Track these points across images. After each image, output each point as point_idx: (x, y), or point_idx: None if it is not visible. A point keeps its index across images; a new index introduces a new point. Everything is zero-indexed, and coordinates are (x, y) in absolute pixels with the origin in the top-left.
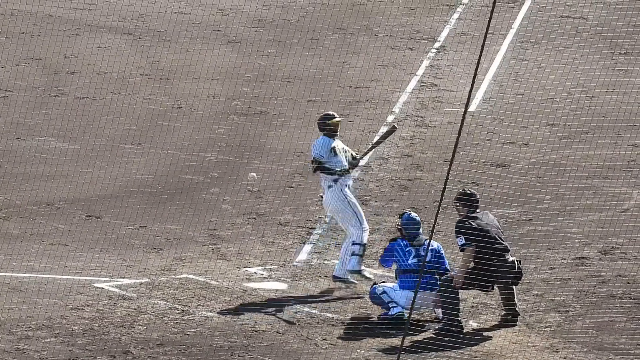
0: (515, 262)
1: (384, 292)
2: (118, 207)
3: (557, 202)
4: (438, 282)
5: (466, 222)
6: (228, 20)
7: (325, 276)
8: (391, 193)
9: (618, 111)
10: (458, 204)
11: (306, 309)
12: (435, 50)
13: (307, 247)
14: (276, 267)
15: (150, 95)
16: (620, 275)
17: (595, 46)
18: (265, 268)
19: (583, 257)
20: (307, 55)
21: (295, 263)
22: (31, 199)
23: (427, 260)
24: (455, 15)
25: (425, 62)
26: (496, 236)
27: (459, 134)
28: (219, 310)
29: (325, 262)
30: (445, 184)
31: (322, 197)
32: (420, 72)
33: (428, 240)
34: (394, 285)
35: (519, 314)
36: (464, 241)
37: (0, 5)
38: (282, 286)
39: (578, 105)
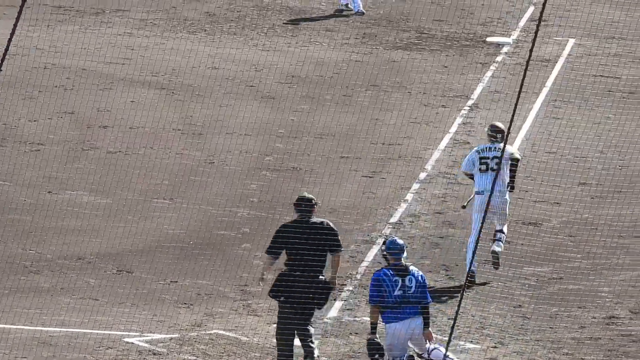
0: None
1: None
2: (149, 261)
3: (589, 260)
4: (420, 313)
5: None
6: (261, 76)
7: (356, 333)
8: (422, 250)
9: None
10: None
11: None
12: (468, 108)
13: (338, 304)
14: None
15: (182, 150)
16: None
17: (628, 105)
18: None
19: (614, 316)
20: (340, 112)
21: (326, 320)
22: (62, 253)
23: (411, 292)
24: (489, 73)
25: (458, 120)
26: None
27: (491, 192)
28: None
29: (356, 319)
30: (476, 242)
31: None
32: (453, 129)
33: (413, 269)
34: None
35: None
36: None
37: (34, 59)
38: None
39: (610, 164)
